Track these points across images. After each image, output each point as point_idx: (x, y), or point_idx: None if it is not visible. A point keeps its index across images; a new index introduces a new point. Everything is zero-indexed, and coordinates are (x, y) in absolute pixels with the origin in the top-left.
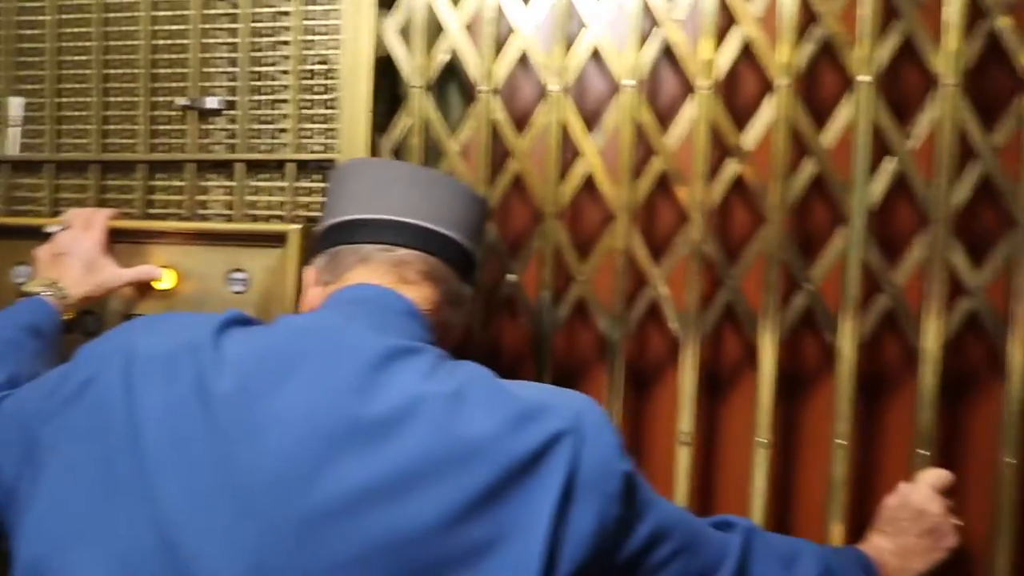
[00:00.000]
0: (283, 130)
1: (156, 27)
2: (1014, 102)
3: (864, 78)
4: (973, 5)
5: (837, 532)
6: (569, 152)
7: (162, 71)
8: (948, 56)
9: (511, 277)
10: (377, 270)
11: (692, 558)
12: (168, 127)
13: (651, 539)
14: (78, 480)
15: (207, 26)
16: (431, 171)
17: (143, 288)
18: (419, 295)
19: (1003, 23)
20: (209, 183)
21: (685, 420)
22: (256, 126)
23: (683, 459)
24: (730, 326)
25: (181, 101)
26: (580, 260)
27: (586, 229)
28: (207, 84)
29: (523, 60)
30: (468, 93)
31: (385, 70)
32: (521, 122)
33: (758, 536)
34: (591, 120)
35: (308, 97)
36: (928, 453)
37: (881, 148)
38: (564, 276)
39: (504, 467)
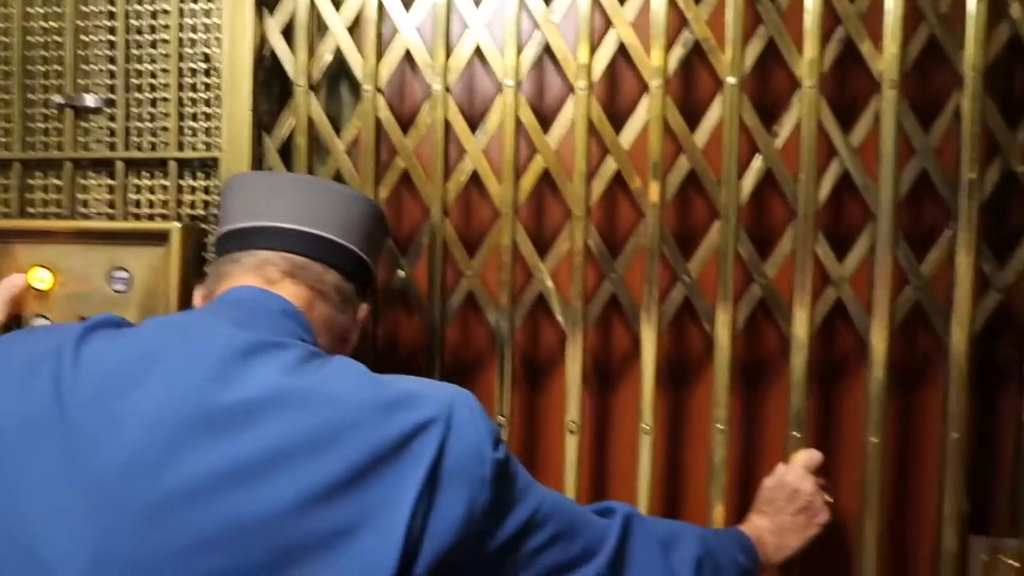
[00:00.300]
0: (164, 128)
1: (29, 23)
2: (870, 103)
3: (731, 80)
4: (830, 13)
5: (719, 513)
6: (455, 150)
7: (38, 68)
8: (807, 61)
9: (401, 273)
10: (245, 274)
11: (570, 543)
12: (45, 125)
13: (526, 525)
14: None
15: (84, 23)
16: (309, 178)
17: (19, 297)
18: (286, 293)
19: (856, 30)
20: (90, 182)
21: (573, 409)
22: (137, 124)
23: (571, 448)
24: (616, 318)
25: (58, 99)
26: (468, 256)
27: (474, 225)
28: (85, 82)
29: (409, 60)
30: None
31: (275, 68)
32: (409, 121)
33: (637, 520)
34: (478, 118)
35: (190, 95)
36: (800, 435)
37: (751, 146)
38: (455, 272)
39: (367, 453)
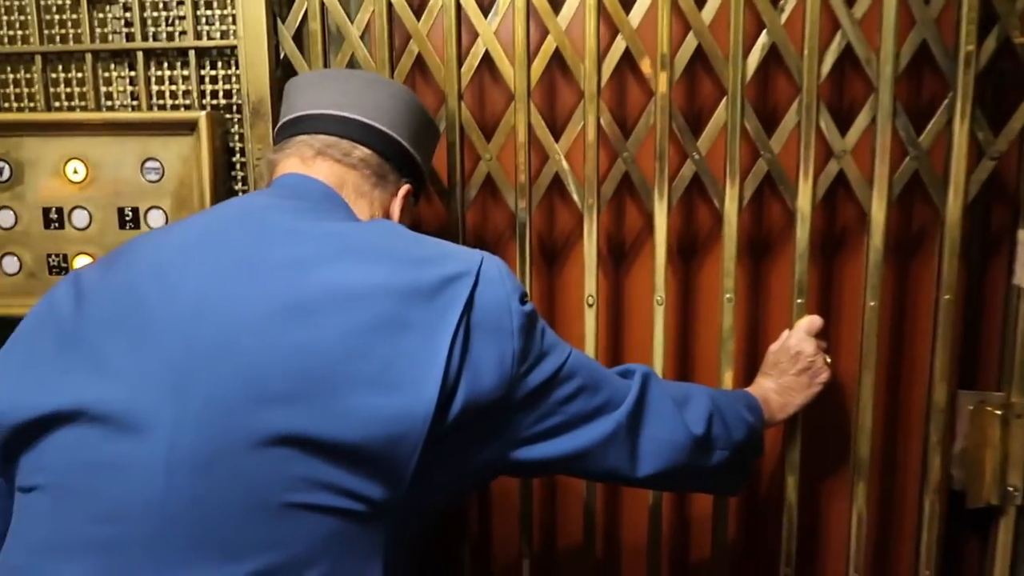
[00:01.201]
0: (181, 17)
1: None
2: None
3: None
4: None
5: (728, 378)
6: (468, 35)
7: None
8: None
9: None
10: (287, 159)
11: (593, 395)
12: (62, 16)
13: (553, 377)
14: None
15: None
16: (352, 72)
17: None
18: (320, 170)
19: None
20: (112, 74)
21: (590, 283)
22: (153, 14)
23: (590, 320)
24: (629, 199)
25: None
26: (485, 140)
27: (489, 109)
28: None
29: None
30: None
31: None
32: (421, 5)
33: (654, 379)
34: (488, 1)
35: None
36: (803, 301)
37: (757, 23)
38: (472, 156)
39: (402, 300)
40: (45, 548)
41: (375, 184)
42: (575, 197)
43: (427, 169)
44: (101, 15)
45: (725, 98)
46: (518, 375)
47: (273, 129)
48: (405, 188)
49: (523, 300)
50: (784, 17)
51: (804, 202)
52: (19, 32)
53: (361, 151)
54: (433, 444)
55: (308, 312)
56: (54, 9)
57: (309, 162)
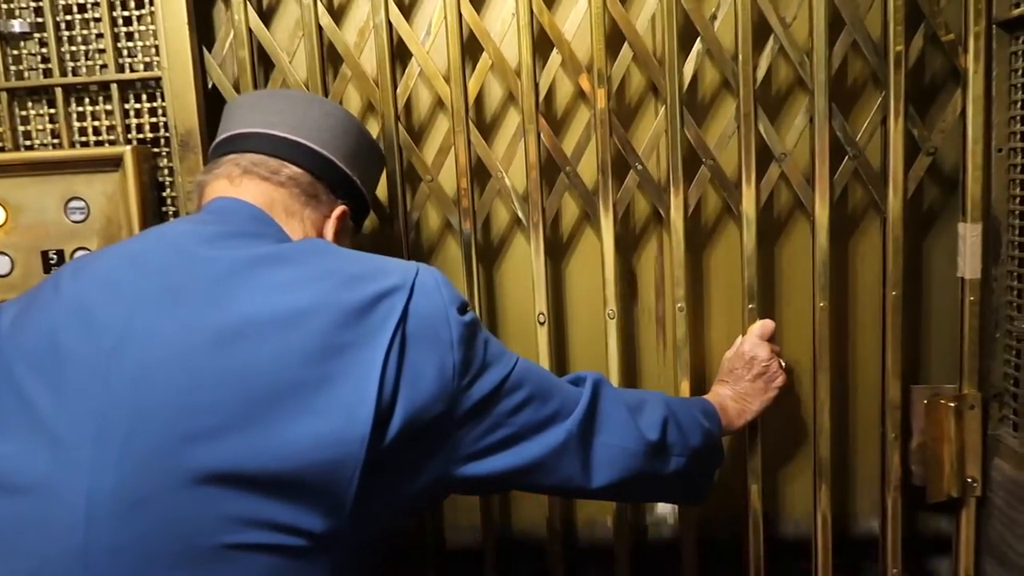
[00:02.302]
0: (100, 50)
1: None
2: None
3: None
4: None
5: (685, 387)
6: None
7: None
8: None
9: None
10: (216, 181)
11: (542, 405)
12: None
13: (499, 387)
14: None
15: None
16: (282, 92)
17: None
18: (247, 190)
19: None
20: (30, 112)
21: (540, 302)
22: (71, 48)
23: (543, 337)
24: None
25: None
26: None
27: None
28: (10, 6)
29: None
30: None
31: None
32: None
33: (606, 385)
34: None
35: (123, 13)
36: (753, 306)
37: (692, 31)
38: (413, 177)
39: (336, 320)
40: None
41: (305, 203)
42: (520, 215)
43: (369, 192)
44: (16, 51)
45: (664, 108)
46: (460, 388)
47: (204, 162)
48: (340, 209)
49: (463, 310)
50: (716, 24)
51: (748, 206)
52: None
53: (290, 169)
54: (373, 467)
55: (232, 341)
56: None
57: (236, 181)
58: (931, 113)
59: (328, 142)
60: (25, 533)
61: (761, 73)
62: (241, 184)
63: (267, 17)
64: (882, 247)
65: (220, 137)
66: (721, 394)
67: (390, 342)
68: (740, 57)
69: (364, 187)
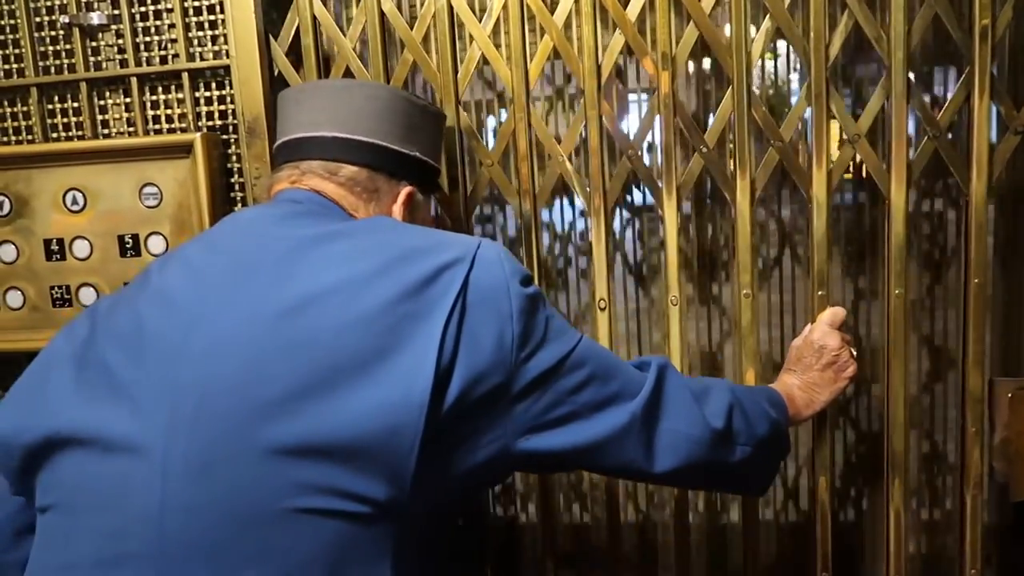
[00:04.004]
0: (173, 40)
1: None
2: None
3: None
4: None
5: (750, 376)
6: (464, 38)
7: None
8: None
9: None
10: (278, 182)
11: (604, 384)
12: (56, 47)
13: (559, 363)
14: None
15: None
16: (326, 82)
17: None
18: (309, 185)
19: None
20: (107, 101)
21: (601, 287)
22: (145, 39)
23: (603, 324)
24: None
25: (64, 19)
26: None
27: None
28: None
29: None
30: None
31: None
32: (414, 14)
33: (671, 370)
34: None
35: (195, 4)
36: (823, 293)
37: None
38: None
39: (398, 290)
40: (59, 568)
41: (368, 200)
42: (580, 199)
43: (434, 157)
44: (94, 43)
45: (730, 88)
46: (518, 360)
47: (270, 148)
48: (404, 194)
49: (526, 282)
50: (787, 1)
51: (819, 190)
52: (14, 66)
53: (348, 170)
54: (433, 436)
55: (297, 313)
56: (48, 40)
57: (299, 181)
58: (1020, 90)
59: (379, 129)
60: (111, 490)
61: (834, 51)
62: (303, 181)
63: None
64: (963, 232)
65: (278, 142)
66: (788, 383)
67: (450, 312)
68: (812, 35)
69: (428, 156)
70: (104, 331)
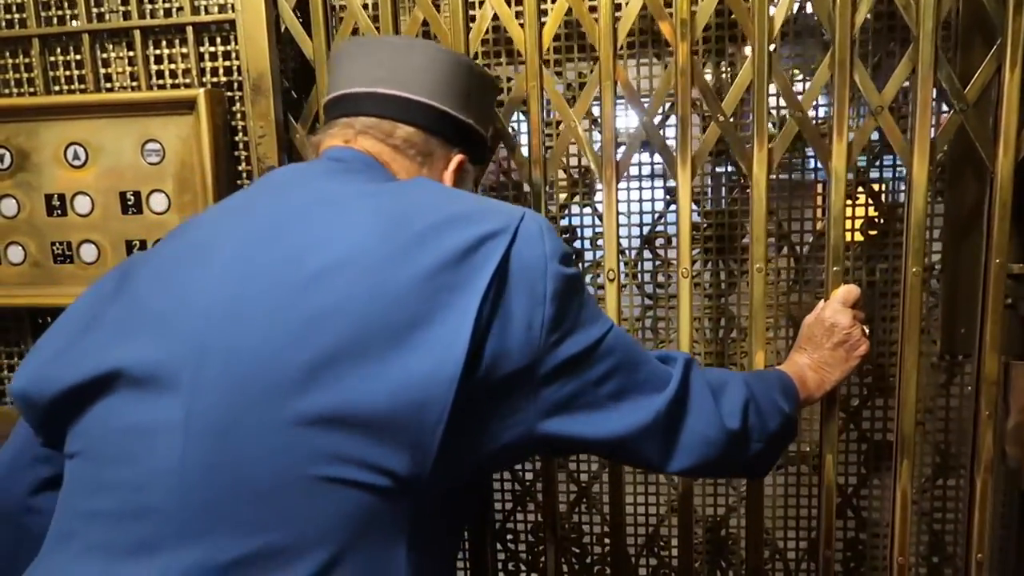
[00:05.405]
0: None
1: None
2: None
3: None
4: None
5: (760, 358)
6: None
7: None
8: None
9: None
10: (331, 139)
11: (629, 376)
12: None
13: (588, 351)
14: None
15: None
16: (384, 40)
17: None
18: (362, 145)
19: None
20: (109, 54)
21: (611, 259)
22: None
23: (611, 295)
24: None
25: None
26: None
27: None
28: None
29: None
30: None
31: None
32: None
33: (696, 368)
34: None
35: None
36: (838, 269)
37: None
38: None
39: (437, 258)
40: (84, 515)
41: (421, 163)
42: (593, 167)
43: (487, 128)
44: None
45: (749, 56)
46: (546, 344)
47: (275, 106)
48: (456, 161)
49: (566, 262)
50: None
51: (839, 162)
52: (16, 15)
53: (403, 130)
54: (459, 413)
55: (332, 277)
56: None
57: (352, 140)
58: None
59: (438, 92)
60: (135, 442)
61: (860, 18)
62: (356, 141)
63: None
64: (987, 210)
65: (329, 96)
66: (800, 363)
67: (488, 287)
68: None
69: (481, 126)
70: (136, 284)
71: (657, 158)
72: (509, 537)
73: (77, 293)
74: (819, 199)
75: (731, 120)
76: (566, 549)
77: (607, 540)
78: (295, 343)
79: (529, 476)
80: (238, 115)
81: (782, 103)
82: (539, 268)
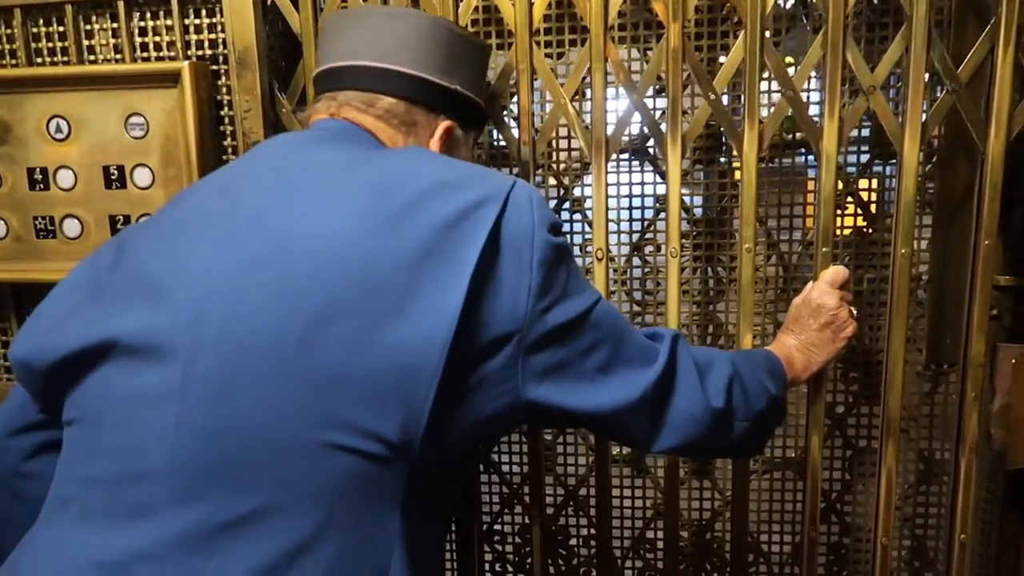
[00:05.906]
0: None
1: None
2: None
3: None
4: None
5: (748, 339)
6: None
7: None
8: None
9: None
10: (316, 112)
11: (616, 349)
12: None
13: (575, 321)
14: None
15: None
16: (362, 9)
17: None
18: (347, 116)
19: None
20: (93, 26)
21: (600, 238)
22: None
23: (599, 274)
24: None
25: None
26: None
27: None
28: None
29: None
30: None
31: None
32: None
33: (683, 345)
34: None
35: None
36: (827, 250)
37: None
38: None
39: (429, 226)
40: (83, 481)
41: (406, 133)
42: (583, 145)
43: (476, 91)
44: None
45: (742, 33)
46: (535, 312)
47: (261, 80)
48: (442, 128)
49: (554, 231)
50: None
51: (829, 143)
52: None
53: (385, 101)
54: (450, 378)
55: (326, 242)
56: None
57: (336, 113)
58: None
59: (419, 59)
60: (132, 407)
61: None
62: (340, 113)
63: None
64: (977, 191)
65: (315, 72)
66: (787, 345)
67: (480, 254)
68: None
69: (469, 90)
70: (134, 253)
71: (647, 166)
72: (496, 538)
73: (60, 268)
74: (811, 207)
75: (719, 99)
76: (553, 551)
77: (593, 542)
78: (291, 309)
79: (517, 478)
80: (223, 89)
81: (775, 86)
82: (527, 236)
